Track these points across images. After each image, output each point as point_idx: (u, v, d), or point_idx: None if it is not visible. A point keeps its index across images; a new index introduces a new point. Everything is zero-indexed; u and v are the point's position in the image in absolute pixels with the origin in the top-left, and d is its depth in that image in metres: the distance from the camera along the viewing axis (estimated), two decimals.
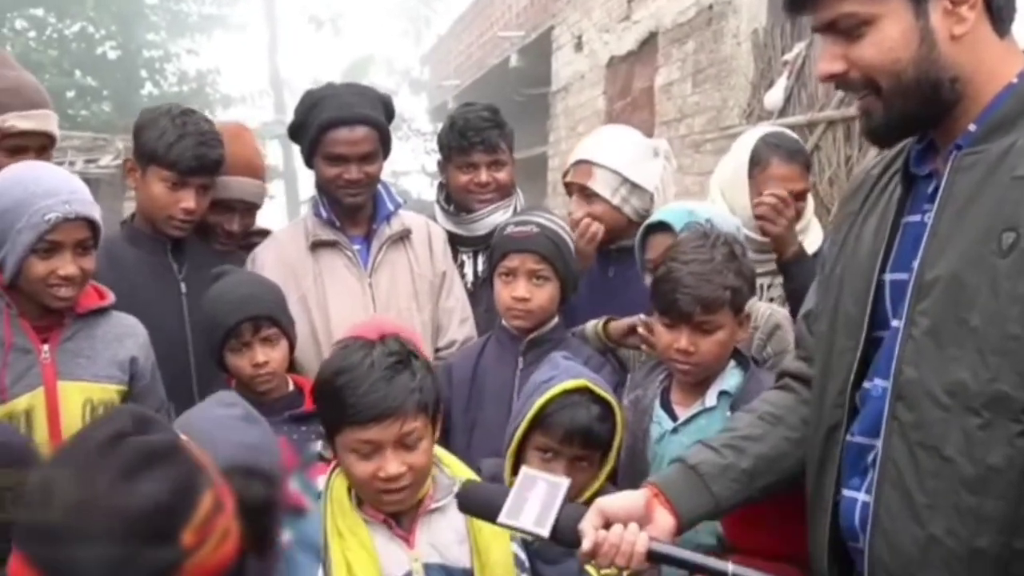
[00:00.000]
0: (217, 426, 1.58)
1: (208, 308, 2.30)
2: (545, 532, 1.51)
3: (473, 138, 2.74)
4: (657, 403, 2.06)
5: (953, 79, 1.33)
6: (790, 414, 1.61)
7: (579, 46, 9.71)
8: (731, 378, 2.02)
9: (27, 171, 2.09)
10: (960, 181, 1.33)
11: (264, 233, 2.84)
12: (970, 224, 1.30)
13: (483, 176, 2.77)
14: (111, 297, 2.20)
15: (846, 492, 1.44)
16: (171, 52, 19.04)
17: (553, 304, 2.32)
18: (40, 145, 2.47)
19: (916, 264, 1.35)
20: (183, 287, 2.51)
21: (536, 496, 1.54)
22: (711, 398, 2.01)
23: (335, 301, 2.53)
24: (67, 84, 17.17)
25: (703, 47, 6.94)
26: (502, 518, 1.54)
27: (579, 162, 2.60)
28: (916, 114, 1.37)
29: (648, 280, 2.28)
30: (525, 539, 1.72)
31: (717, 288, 1.95)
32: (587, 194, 2.57)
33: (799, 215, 2.53)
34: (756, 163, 2.53)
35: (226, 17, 21.84)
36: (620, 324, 2.33)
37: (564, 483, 1.57)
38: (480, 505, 1.60)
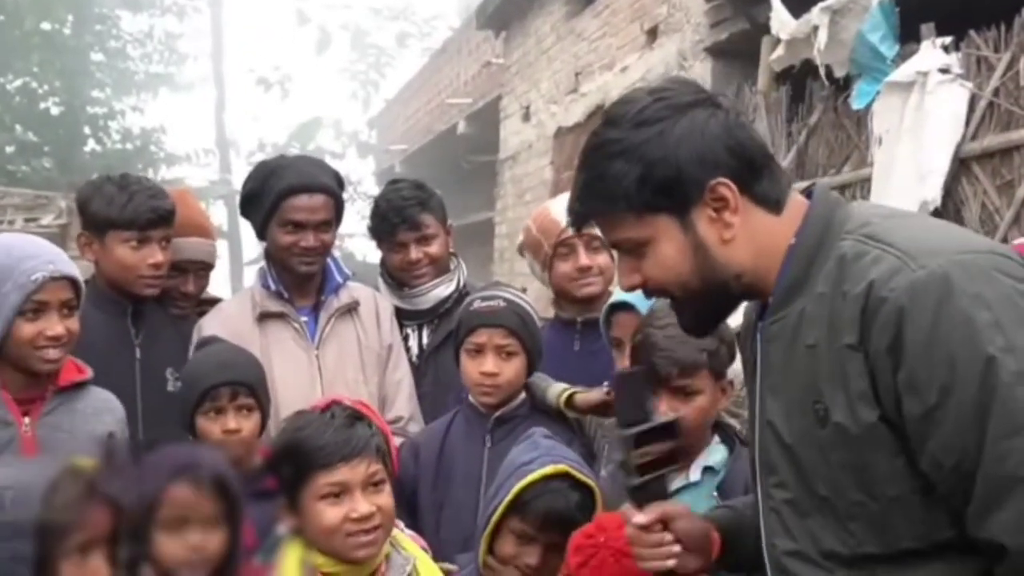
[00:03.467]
0: None
1: (187, 371, 2.30)
2: None
3: (394, 218, 2.74)
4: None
5: (737, 275, 1.35)
6: None
7: (527, 116, 9.86)
8: (715, 453, 1.97)
9: (8, 238, 2.16)
10: (771, 352, 1.35)
11: (214, 301, 2.82)
12: (789, 396, 1.32)
13: (412, 254, 2.76)
14: (89, 372, 2.19)
15: None
16: (116, 109, 18.88)
17: (521, 379, 2.33)
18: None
19: (756, 440, 1.38)
20: (138, 352, 2.52)
21: None
22: (695, 472, 1.95)
23: (282, 373, 2.51)
24: (7, 139, 16.91)
25: None
26: None
27: None
28: (715, 311, 1.42)
29: (617, 357, 2.30)
30: None
31: (693, 350, 1.91)
32: (595, 246, 2.57)
33: None
34: None
35: (173, 76, 21.79)
36: (587, 398, 2.31)
37: None
38: None
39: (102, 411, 2.19)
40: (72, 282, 2.06)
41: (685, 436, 1.94)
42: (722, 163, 1.31)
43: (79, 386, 2.17)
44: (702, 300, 1.37)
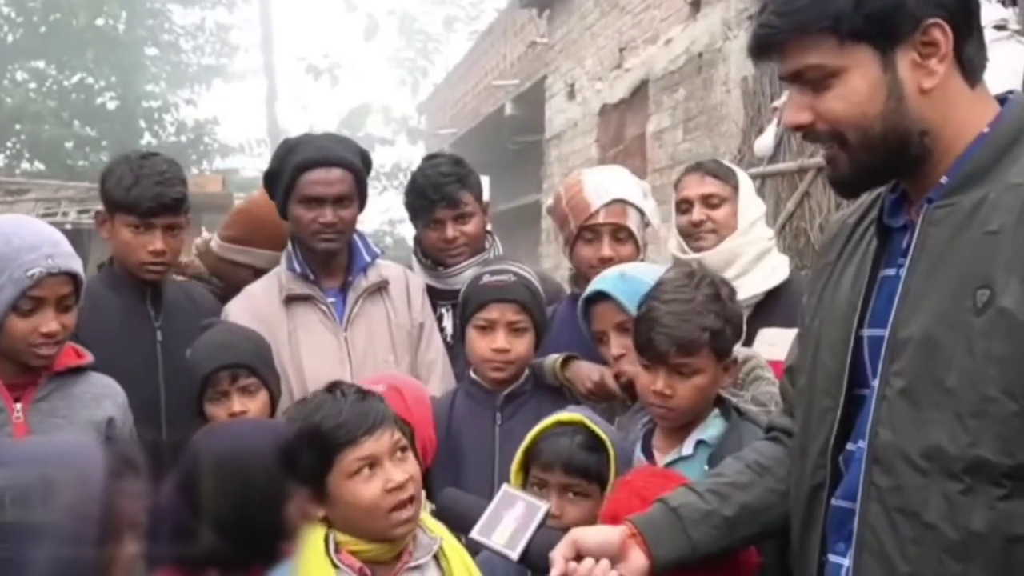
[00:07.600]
0: None
1: (190, 357, 2.26)
2: (514, 555, 1.51)
3: (433, 195, 2.67)
4: (639, 447, 2.00)
5: (922, 133, 1.30)
6: (778, 466, 1.58)
7: (572, 94, 9.77)
8: (711, 428, 1.94)
9: (7, 225, 2.05)
10: (932, 235, 1.29)
11: None
12: (943, 280, 1.26)
13: (449, 232, 2.69)
14: (89, 356, 2.15)
15: (831, 557, 1.39)
16: (170, 102, 19.17)
17: (531, 354, 2.28)
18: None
19: (890, 321, 1.31)
20: (159, 335, 2.47)
21: (512, 516, 1.57)
22: (688, 447, 1.93)
23: (310, 356, 2.48)
24: (66, 135, 17.26)
25: (693, 95, 6.97)
26: (474, 533, 1.54)
27: (614, 201, 2.49)
28: (882, 167, 1.34)
29: (603, 352, 2.23)
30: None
31: (695, 329, 1.87)
32: (621, 237, 2.49)
33: (717, 225, 2.60)
34: (676, 189, 2.73)
35: (225, 68, 22.03)
36: (580, 371, 2.26)
37: (543, 507, 1.58)
38: (457, 516, 1.63)
39: (101, 396, 2.13)
40: (72, 276, 2.00)
41: (679, 417, 1.94)
42: (945, 4, 1.27)
43: (78, 371, 2.12)
44: (872, 151, 1.31)
